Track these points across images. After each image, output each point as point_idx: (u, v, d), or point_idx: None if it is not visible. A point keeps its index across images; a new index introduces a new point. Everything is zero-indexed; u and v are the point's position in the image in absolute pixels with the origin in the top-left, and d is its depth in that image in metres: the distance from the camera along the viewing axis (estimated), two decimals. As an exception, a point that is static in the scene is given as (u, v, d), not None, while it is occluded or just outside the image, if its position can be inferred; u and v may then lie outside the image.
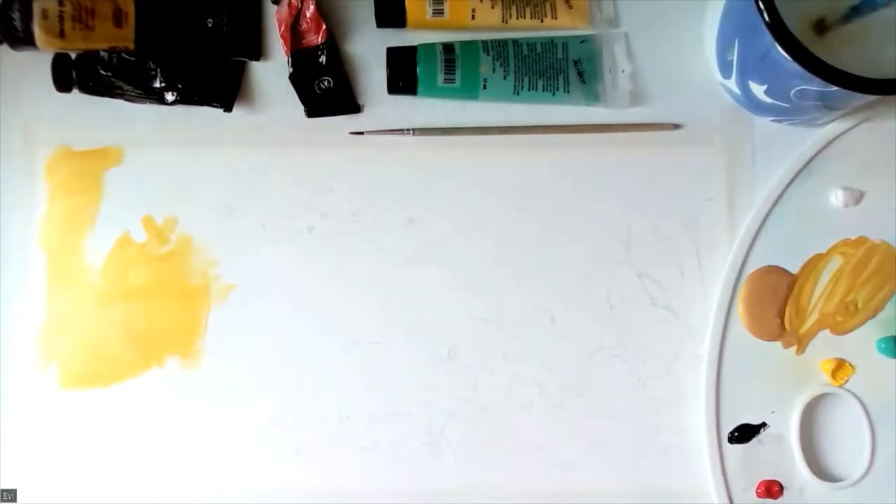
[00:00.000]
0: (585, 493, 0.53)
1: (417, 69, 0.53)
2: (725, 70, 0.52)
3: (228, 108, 0.53)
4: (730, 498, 0.52)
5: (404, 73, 0.53)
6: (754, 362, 0.53)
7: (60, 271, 0.53)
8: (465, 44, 0.53)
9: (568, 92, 0.53)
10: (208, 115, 0.54)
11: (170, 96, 0.53)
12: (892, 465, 0.52)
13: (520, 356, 0.53)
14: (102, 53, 0.52)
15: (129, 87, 0.53)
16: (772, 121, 0.54)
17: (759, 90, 0.50)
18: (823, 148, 0.53)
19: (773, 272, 0.53)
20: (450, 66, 0.53)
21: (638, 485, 0.53)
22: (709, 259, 0.53)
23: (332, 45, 0.53)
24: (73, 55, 0.52)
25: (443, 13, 0.53)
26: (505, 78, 0.53)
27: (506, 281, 0.53)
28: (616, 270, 0.53)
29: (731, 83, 0.52)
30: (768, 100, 0.50)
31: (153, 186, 0.53)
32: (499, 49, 0.53)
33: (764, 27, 0.44)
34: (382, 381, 0.53)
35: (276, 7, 0.54)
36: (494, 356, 0.53)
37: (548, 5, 0.54)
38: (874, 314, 0.53)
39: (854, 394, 0.53)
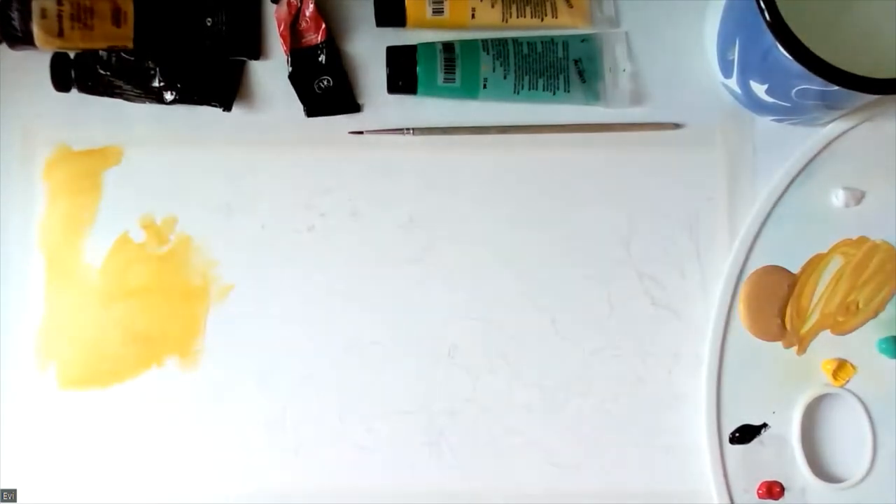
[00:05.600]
0: (585, 493, 0.52)
1: (417, 68, 0.53)
2: (726, 69, 0.52)
3: (228, 108, 0.53)
4: (731, 499, 0.52)
5: (404, 73, 0.53)
6: (755, 363, 0.52)
7: (59, 271, 0.53)
8: (465, 43, 0.53)
9: (568, 91, 0.53)
10: (207, 114, 0.54)
11: (169, 96, 0.53)
12: (894, 465, 0.52)
13: (520, 356, 0.53)
14: (101, 53, 0.52)
15: (129, 87, 0.53)
16: (773, 120, 0.54)
17: (760, 90, 0.50)
18: (824, 148, 0.53)
19: (774, 272, 0.53)
20: (450, 66, 0.52)
21: (638, 485, 0.53)
22: (709, 259, 0.53)
23: (332, 44, 0.53)
24: (71, 55, 0.52)
25: (443, 12, 0.53)
26: (505, 77, 0.53)
27: (506, 281, 0.53)
28: (616, 270, 0.53)
29: (732, 83, 0.52)
30: (769, 99, 0.50)
31: (152, 186, 0.53)
32: (499, 48, 0.53)
33: (765, 26, 0.44)
34: (382, 381, 0.53)
35: (275, 6, 0.54)
36: (494, 356, 0.53)
37: (548, 4, 0.54)
38: (875, 314, 0.53)
39: (855, 394, 0.52)
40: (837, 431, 0.53)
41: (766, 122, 0.54)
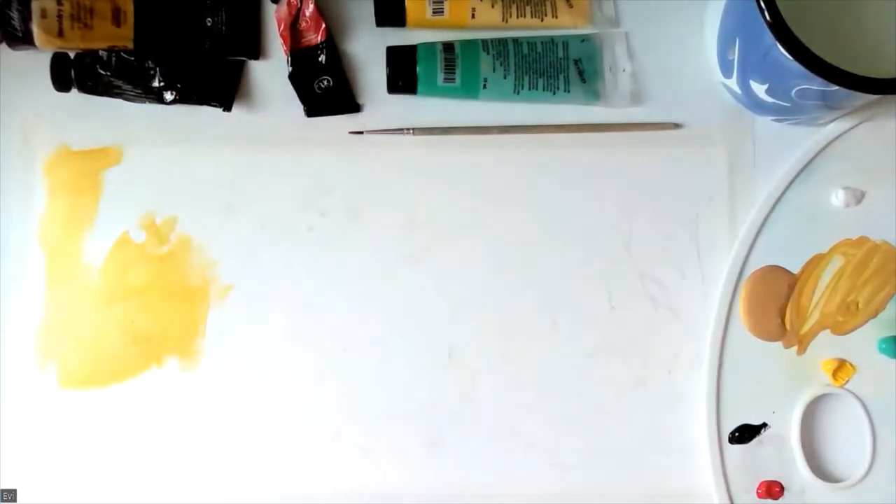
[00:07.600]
0: (586, 493, 0.52)
1: (417, 68, 0.53)
2: (726, 69, 0.52)
3: (228, 108, 0.53)
4: (730, 498, 0.52)
5: (404, 73, 0.53)
6: (755, 362, 0.52)
7: (59, 271, 0.53)
8: (465, 43, 0.53)
9: (568, 91, 0.53)
10: (207, 114, 0.53)
11: (169, 96, 0.53)
12: (893, 465, 0.52)
13: (520, 356, 0.53)
14: (101, 53, 0.52)
15: (128, 87, 0.53)
16: (773, 120, 0.54)
17: (760, 89, 0.50)
18: (824, 147, 0.53)
19: (774, 272, 0.53)
20: (450, 66, 0.52)
21: (638, 485, 0.53)
22: (710, 259, 0.53)
23: (332, 44, 0.53)
24: (71, 54, 0.52)
25: (443, 12, 0.53)
26: (505, 77, 0.53)
27: (506, 281, 0.53)
28: (617, 270, 0.53)
29: (733, 82, 0.52)
30: (769, 99, 0.50)
31: (152, 186, 0.53)
32: (499, 48, 0.53)
33: (765, 26, 0.44)
34: (382, 382, 0.52)
35: (275, 6, 0.54)
36: (494, 356, 0.53)
37: (548, 4, 0.53)
38: (875, 314, 0.53)
39: (855, 394, 0.52)
40: (837, 431, 0.53)
41: (766, 122, 0.54)
